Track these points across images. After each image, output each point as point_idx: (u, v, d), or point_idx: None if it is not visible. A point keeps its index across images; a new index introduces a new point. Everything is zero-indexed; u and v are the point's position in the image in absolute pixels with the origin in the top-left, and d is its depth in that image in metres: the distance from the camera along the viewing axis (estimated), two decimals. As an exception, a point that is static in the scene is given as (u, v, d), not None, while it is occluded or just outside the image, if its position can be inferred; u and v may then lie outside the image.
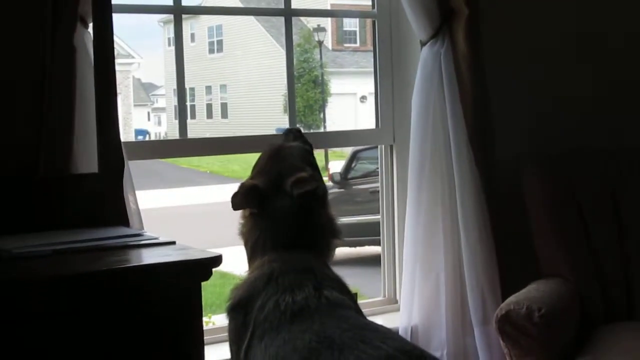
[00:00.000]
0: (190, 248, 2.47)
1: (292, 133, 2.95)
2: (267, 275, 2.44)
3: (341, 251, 9.63)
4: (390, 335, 2.17)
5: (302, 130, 3.04)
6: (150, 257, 2.44)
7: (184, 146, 3.48)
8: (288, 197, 2.58)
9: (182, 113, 3.57)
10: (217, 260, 2.35)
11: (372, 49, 4.01)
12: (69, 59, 2.85)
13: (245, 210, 2.63)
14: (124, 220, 2.86)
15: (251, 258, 2.58)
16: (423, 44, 3.63)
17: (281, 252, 2.53)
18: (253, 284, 2.44)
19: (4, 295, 2.11)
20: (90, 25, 2.91)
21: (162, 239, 2.56)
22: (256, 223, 2.59)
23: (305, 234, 2.61)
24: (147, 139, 16.32)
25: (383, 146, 3.91)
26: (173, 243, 2.53)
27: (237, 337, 2.40)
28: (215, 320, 3.72)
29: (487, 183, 3.57)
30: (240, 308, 2.42)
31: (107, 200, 2.86)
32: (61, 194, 2.82)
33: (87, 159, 2.89)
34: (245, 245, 2.63)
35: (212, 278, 2.37)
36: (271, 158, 2.72)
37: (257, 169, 2.72)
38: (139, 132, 17.78)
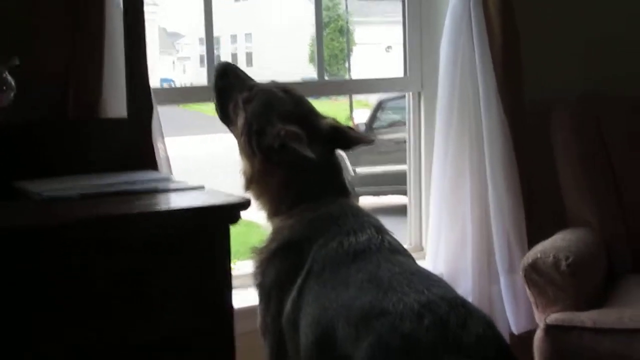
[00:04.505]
0: (219, 192, 2.48)
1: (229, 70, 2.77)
2: (326, 218, 2.44)
3: (365, 200, 9.64)
4: (437, 284, 2.20)
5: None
6: (178, 200, 2.45)
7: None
8: (317, 143, 2.54)
9: (210, 61, 3.55)
10: (245, 203, 2.37)
11: (398, -2, 3.98)
12: (97, 3, 2.85)
13: (255, 158, 2.58)
14: (152, 166, 2.87)
15: (290, 204, 2.53)
16: (453, -10, 3.60)
17: (329, 197, 2.53)
18: (309, 226, 2.43)
19: (36, 238, 2.13)
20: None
21: (190, 184, 2.57)
22: (289, 170, 2.55)
23: (342, 180, 2.62)
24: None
25: (411, 94, 3.90)
26: (202, 187, 2.54)
27: (286, 277, 2.39)
28: (241, 266, 3.73)
29: (515, 131, 3.56)
30: (294, 247, 2.41)
31: (136, 145, 2.86)
32: (90, 138, 2.82)
33: (116, 103, 2.89)
34: (272, 192, 2.58)
35: (236, 226, 2.38)
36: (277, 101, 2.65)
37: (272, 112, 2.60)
38: (164, 80, 17.78)
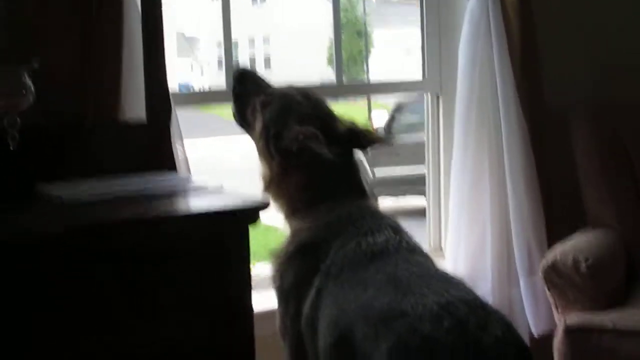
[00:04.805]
0: (238, 193, 2.49)
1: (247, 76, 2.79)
2: (343, 219, 2.44)
3: (384, 203, 9.64)
4: (455, 285, 2.19)
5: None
6: (198, 202, 2.46)
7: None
8: (335, 145, 2.54)
9: (229, 64, 3.55)
10: (264, 205, 2.38)
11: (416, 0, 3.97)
12: (116, 7, 2.86)
13: (274, 161, 2.58)
14: (171, 168, 2.88)
15: (308, 205, 2.53)
16: (471, -7, 3.59)
17: (347, 199, 2.53)
18: (326, 227, 2.44)
19: (56, 241, 2.14)
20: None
21: (209, 185, 2.57)
22: (307, 172, 2.56)
23: (359, 182, 2.62)
24: (190, 90, 16.27)
25: (429, 96, 3.90)
26: (220, 189, 2.55)
27: (304, 279, 2.38)
28: (260, 268, 3.74)
29: (534, 133, 3.55)
30: (312, 249, 2.41)
31: (155, 148, 2.87)
32: (109, 140, 2.83)
33: (136, 107, 2.90)
34: (290, 194, 2.57)
35: (256, 229, 2.39)
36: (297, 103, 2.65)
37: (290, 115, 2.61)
38: (182, 84, 17.83)
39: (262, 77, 2.77)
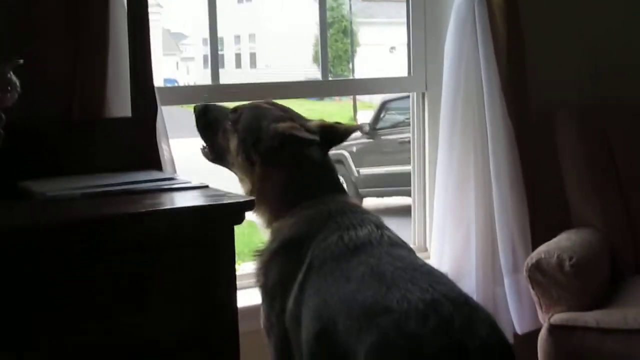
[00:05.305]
0: (223, 192, 2.48)
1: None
2: (325, 214, 2.47)
3: (369, 201, 9.63)
4: (440, 280, 2.20)
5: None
6: (183, 200, 2.45)
7: (216, 92, 3.47)
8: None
9: (214, 61, 3.55)
10: (250, 203, 2.37)
11: (402, -2, 3.98)
12: (102, 5, 2.85)
13: (254, 167, 2.62)
14: (157, 166, 2.87)
15: (289, 205, 2.56)
16: (457, -8, 3.60)
17: (327, 195, 2.56)
18: (308, 223, 2.46)
19: (38, 238, 2.13)
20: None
21: (194, 183, 2.57)
22: (288, 170, 2.58)
23: (337, 180, 2.66)
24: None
25: (415, 94, 3.90)
26: (206, 187, 2.54)
27: (288, 275, 2.40)
28: (245, 267, 3.73)
29: (520, 132, 3.56)
30: (295, 245, 2.44)
31: (140, 145, 2.86)
32: (94, 138, 2.82)
33: (121, 103, 2.90)
34: (271, 196, 2.60)
35: (240, 226, 2.39)
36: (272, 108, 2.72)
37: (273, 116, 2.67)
38: (168, 81, 17.75)
39: (223, 106, 2.83)
